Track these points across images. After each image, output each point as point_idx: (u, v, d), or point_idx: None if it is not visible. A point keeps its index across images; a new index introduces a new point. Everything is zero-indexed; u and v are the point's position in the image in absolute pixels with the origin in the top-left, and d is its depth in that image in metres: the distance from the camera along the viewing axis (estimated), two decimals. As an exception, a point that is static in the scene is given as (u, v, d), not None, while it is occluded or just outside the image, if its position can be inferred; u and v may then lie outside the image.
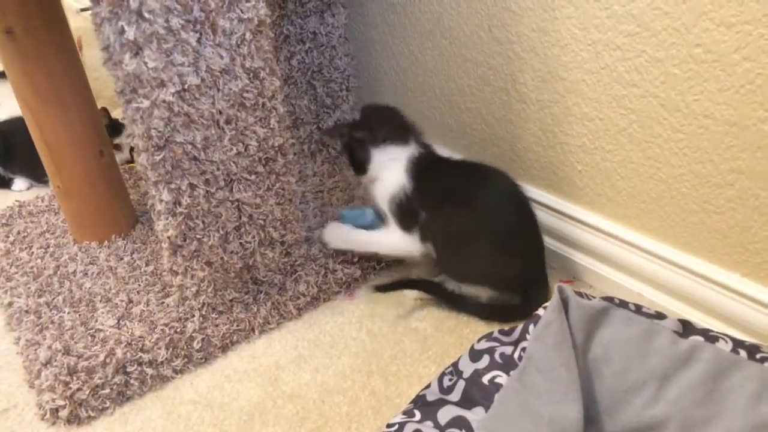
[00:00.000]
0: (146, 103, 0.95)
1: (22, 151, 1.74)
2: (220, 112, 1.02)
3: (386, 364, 1.08)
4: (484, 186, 1.13)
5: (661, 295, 1.09)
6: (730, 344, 0.68)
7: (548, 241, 1.25)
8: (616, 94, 1.04)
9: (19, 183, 1.79)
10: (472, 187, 1.12)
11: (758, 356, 0.67)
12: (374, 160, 1.18)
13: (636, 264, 1.11)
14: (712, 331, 0.71)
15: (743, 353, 0.67)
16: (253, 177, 1.10)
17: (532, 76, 1.17)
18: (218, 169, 1.05)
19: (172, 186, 1.03)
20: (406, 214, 1.16)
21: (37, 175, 1.76)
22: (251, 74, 1.03)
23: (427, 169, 1.16)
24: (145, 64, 0.93)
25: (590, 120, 1.10)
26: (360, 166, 1.21)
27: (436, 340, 1.12)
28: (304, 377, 1.07)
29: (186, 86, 0.97)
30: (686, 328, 0.71)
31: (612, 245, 1.14)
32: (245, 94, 1.04)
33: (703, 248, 1.02)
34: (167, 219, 1.06)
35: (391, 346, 1.12)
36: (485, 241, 1.10)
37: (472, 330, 1.13)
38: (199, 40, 0.96)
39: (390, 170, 1.17)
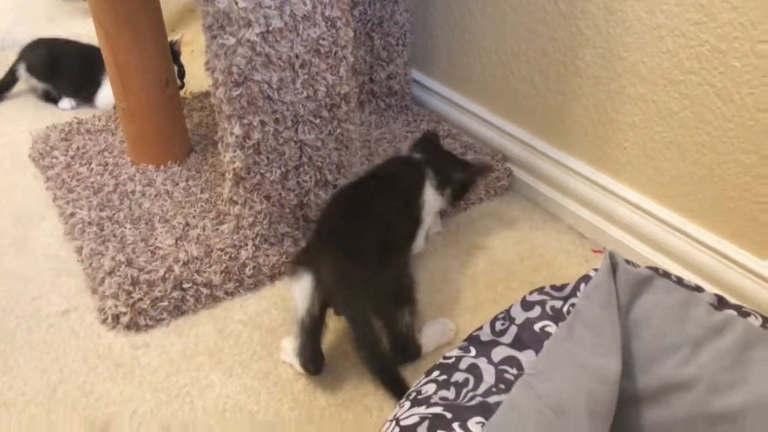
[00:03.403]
0: (232, 41, 1.01)
1: (68, 71, 1.81)
2: (297, 56, 1.07)
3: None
4: None
5: (691, 275, 1.15)
6: (760, 320, 0.75)
7: (585, 212, 1.32)
8: (674, 79, 1.09)
9: (65, 102, 1.85)
10: None
11: (785, 334, 0.74)
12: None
13: (668, 242, 1.18)
14: (745, 307, 0.78)
15: (771, 330, 0.74)
16: (317, 121, 1.15)
17: (591, 52, 1.21)
18: (288, 110, 1.11)
19: (245, 121, 1.09)
20: None
21: (81, 96, 1.83)
22: (329, 23, 1.08)
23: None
24: (236, 3, 0.98)
25: (644, 101, 1.15)
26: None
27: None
28: (347, 312, 1.15)
29: (270, 28, 1.02)
30: (721, 302, 0.78)
31: (647, 222, 1.21)
32: (321, 41, 1.09)
33: (737, 234, 1.08)
34: (235, 152, 1.12)
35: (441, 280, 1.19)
36: None
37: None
38: (287, -15, 1.01)
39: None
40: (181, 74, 1.75)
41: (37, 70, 1.82)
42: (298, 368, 1.03)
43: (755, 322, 0.75)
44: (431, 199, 1.19)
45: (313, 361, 1.01)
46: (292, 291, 1.00)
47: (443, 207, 1.27)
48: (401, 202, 1.14)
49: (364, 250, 1.00)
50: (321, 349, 1.02)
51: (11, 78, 1.86)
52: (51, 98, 1.86)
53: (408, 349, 1.04)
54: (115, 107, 1.74)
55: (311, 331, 0.99)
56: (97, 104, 1.81)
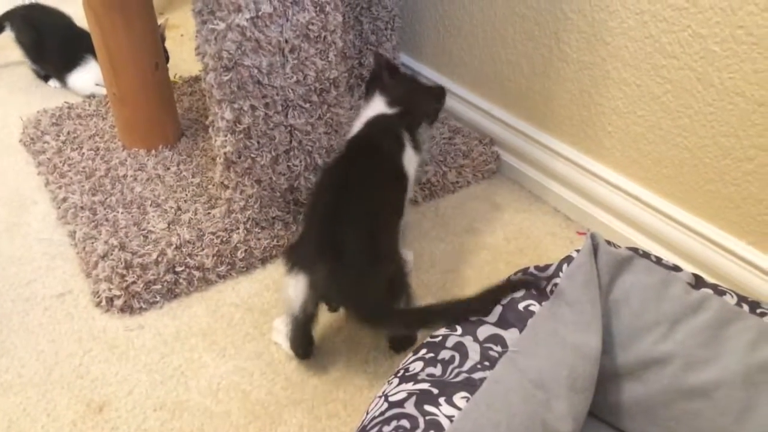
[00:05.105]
0: (222, 26, 1.02)
1: (52, 52, 1.81)
2: (286, 41, 1.08)
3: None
4: None
5: (671, 255, 1.18)
6: (735, 299, 0.78)
7: (571, 195, 1.34)
8: (656, 64, 1.11)
9: (53, 81, 1.86)
10: None
11: (758, 311, 0.77)
12: None
13: (651, 224, 1.21)
14: (721, 286, 0.81)
15: (745, 307, 0.77)
16: (307, 105, 1.17)
17: (576, 36, 1.23)
18: (278, 95, 1.12)
19: (235, 106, 1.10)
20: None
21: (61, 78, 1.83)
22: (318, 7, 1.09)
23: None
24: (226, -12, 0.99)
25: (627, 85, 1.17)
26: None
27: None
28: (338, 293, 1.17)
29: (260, 13, 1.03)
30: (698, 281, 0.81)
31: (630, 204, 1.23)
32: (310, 26, 1.10)
33: (716, 215, 1.11)
34: (226, 136, 1.14)
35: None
36: None
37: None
38: (276, -29, 1.02)
39: None
40: (166, 59, 1.76)
41: (25, 48, 1.83)
42: (288, 350, 1.06)
43: (730, 300, 0.78)
44: (411, 161, 1.12)
45: (304, 347, 1.04)
46: (286, 286, 0.97)
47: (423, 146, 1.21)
48: (387, 183, 1.08)
49: (357, 250, 0.94)
50: (312, 337, 1.05)
51: None
52: (41, 75, 1.88)
53: (406, 340, 1.06)
54: (89, 96, 1.76)
55: (304, 324, 1.01)
56: (69, 86, 1.81)
